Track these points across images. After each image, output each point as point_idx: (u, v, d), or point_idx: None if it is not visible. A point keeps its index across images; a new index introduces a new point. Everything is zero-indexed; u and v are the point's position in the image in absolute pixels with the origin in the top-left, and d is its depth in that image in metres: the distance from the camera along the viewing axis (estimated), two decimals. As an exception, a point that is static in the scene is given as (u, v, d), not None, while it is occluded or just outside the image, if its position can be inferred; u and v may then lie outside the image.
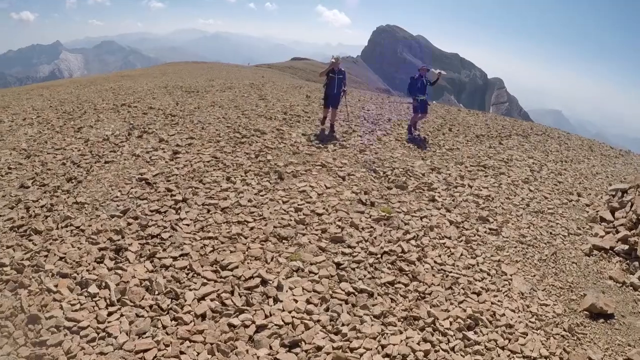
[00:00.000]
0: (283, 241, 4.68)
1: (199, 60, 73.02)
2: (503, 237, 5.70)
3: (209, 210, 5.38)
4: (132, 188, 6.21)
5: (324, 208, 5.41)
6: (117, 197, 6.03)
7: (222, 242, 4.68)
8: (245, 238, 4.73)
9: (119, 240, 4.79)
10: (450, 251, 4.99)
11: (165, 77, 21.97)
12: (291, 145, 7.81)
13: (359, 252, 4.58)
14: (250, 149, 7.45)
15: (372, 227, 5.14)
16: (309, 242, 4.66)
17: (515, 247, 5.48)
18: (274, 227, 4.91)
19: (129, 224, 5.25)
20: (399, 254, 4.67)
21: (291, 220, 5.06)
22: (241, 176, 6.27)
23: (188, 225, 5.12)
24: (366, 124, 10.67)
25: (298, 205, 5.42)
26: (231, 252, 4.51)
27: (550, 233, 6.11)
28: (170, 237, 4.89)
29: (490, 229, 5.82)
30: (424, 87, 10.10)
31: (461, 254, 4.95)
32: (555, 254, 5.53)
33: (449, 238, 5.27)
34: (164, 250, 4.65)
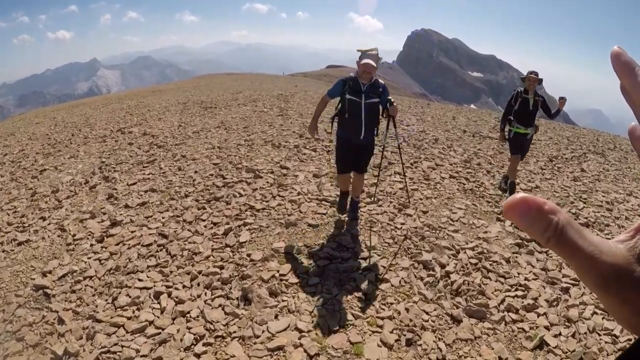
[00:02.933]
0: None
1: (234, 71, 71.01)
2: None
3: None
4: (18, 306, 3.45)
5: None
6: (-8, 320, 3.34)
7: None
8: None
9: None
10: None
11: (195, 90, 19.67)
12: (290, 202, 4.58)
13: None
14: (223, 213, 4.37)
15: None
16: None
17: None
18: None
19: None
20: None
21: None
22: (183, 286, 3.24)
23: None
24: (406, 149, 7.29)
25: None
26: None
27: None
28: None
29: None
30: (532, 113, 5.05)
31: None
32: None
33: None
34: None
